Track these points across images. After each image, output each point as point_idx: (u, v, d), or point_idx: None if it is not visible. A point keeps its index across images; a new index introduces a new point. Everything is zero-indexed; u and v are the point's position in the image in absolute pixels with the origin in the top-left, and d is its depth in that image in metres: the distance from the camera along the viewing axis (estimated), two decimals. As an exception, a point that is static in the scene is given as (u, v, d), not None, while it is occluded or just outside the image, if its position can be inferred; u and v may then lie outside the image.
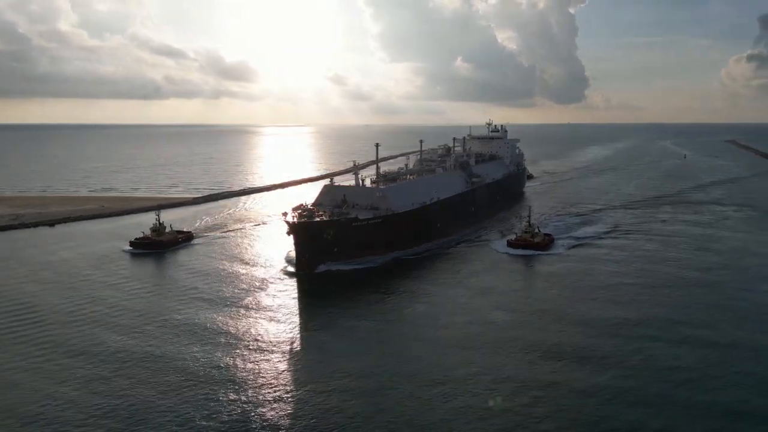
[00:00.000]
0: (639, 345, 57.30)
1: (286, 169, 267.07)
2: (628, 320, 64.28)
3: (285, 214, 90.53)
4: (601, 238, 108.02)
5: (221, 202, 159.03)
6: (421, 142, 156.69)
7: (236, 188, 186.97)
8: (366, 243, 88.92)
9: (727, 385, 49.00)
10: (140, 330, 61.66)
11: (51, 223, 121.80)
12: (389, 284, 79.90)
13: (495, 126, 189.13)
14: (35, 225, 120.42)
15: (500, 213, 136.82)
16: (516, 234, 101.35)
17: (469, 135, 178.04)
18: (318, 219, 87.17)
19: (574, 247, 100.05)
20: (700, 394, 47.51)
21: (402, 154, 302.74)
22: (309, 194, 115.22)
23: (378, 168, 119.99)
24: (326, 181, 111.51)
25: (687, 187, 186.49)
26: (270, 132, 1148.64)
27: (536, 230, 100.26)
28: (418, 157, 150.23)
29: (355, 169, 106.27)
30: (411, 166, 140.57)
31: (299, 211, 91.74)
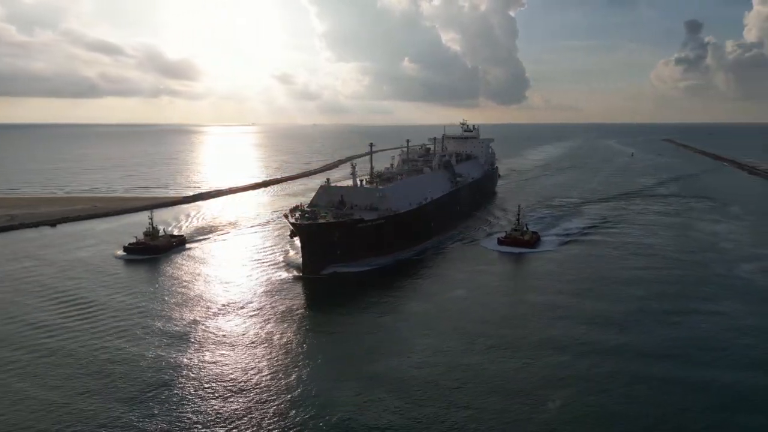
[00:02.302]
0: (664, 319, 65.97)
1: (253, 170, 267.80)
2: (640, 300, 72.02)
3: (287, 215, 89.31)
4: (585, 233, 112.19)
5: (209, 201, 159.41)
6: (407, 141, 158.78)
7: (219, 188, 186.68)
8: (371, 244, 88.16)
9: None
10: (149, 338, 59.91)
11: (53, 224, 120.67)
12: (397, 285, 79.53)
13: (468, 126, 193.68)
14: (36, 225, 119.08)
15: (477, 212, 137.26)
16: (506, 232, 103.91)
17: (444, 135, 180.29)
18: (322, 221, 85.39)
19: (563, 244, 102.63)
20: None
21: (361, 154, 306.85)
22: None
23: (372, 168, 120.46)
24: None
25: (646, 182, 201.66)
26: (215, 132, 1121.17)
27: (524, 228, 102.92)
28: (403, 157, 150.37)
29: (353, 170, 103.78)
30: (396, 165, 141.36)
31: (298, 212, 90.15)
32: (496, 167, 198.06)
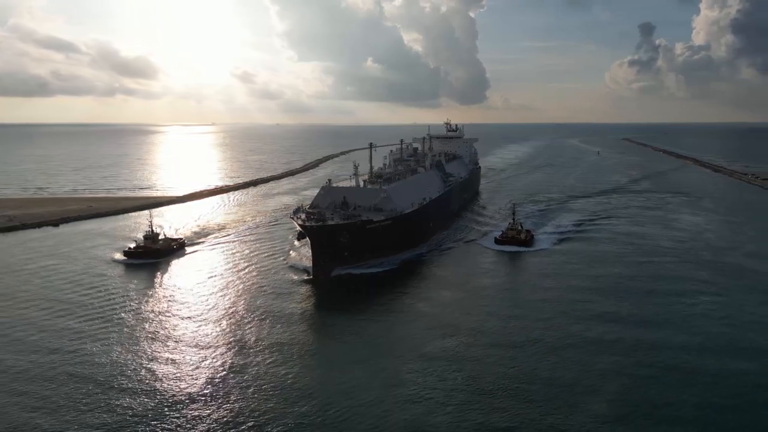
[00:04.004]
0: (677, 300, 72.44)
1: (235, 169, 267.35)
2: (650, 290, 76.78)
3: (293, 218, 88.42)
4: (577, 230, 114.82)
5: (201, 201, 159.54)
6: (401, 141, 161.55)
7: (208, 187, 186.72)
8: (377, 245, 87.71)
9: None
10: (159, 345, 58.08)
11: (55, 224, 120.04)
12: (408, 286, 79.11)
13: (452, 125, 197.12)
14: (39, 225, 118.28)
15: (466, 212, 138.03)
16: (502, 231, 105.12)
17: (428, 134, 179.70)
18: (331, 222, 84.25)
19: (559, 242, 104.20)
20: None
21: (337, 153, 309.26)
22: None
23: (371, 168, 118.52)
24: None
25: (620, 179, 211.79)
26: (175, 132, 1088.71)
27: (520, 227, 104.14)
28: (394, 156, 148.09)
29: (356, 170, 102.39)
30: (389, 165, 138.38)
31: (303, 213, 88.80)
32: (479, 167, 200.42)
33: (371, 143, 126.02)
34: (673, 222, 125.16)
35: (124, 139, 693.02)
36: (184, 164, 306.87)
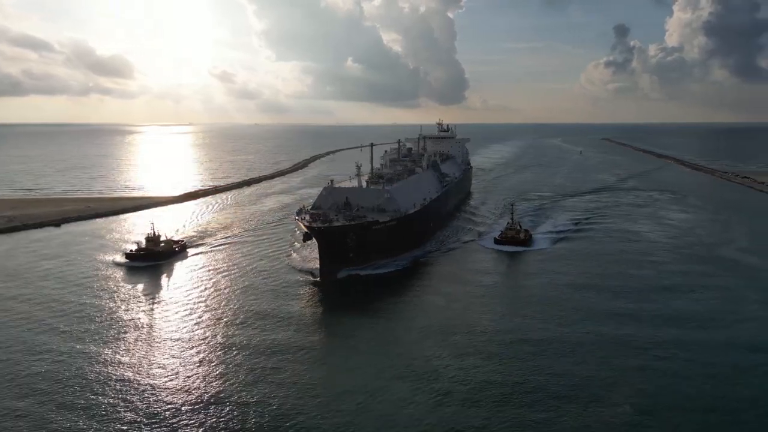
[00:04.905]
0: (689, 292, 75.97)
1: (225, 169, 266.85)
2: (655, 288, 79.61)
3: (298, 219, 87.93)
4: (573, 229, 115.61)
5: (198, 201, 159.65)
6: (398, 141, 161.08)
7: (203, 187, 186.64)
8: (383, 246, 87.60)
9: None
10: (178, 350, 57.35)
11: (57, 224, 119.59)
12: (416, 287, 79.44)
13: (444, 126, 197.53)
14: (41, 225, 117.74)
15: (460, 212, 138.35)
16: (501, 231, 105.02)
17: (420, 135, 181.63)
18: (337, 223, 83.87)
19: (557, 241, 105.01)
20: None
21: (323, 153, 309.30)
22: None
23: (372, 168, 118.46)
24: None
25: (606, 178, 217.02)
26: (152, 132, 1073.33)
27: (519, 226, 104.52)
28: (390, 156, 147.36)
29: (358, 170, 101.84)
30: (387, 165, 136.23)
31: (307, 214, 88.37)
32: (471, 167, 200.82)
33: (372, 143, 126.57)
34: (664, 219, 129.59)
35: (101, 139, 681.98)
36: (172, 165, 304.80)
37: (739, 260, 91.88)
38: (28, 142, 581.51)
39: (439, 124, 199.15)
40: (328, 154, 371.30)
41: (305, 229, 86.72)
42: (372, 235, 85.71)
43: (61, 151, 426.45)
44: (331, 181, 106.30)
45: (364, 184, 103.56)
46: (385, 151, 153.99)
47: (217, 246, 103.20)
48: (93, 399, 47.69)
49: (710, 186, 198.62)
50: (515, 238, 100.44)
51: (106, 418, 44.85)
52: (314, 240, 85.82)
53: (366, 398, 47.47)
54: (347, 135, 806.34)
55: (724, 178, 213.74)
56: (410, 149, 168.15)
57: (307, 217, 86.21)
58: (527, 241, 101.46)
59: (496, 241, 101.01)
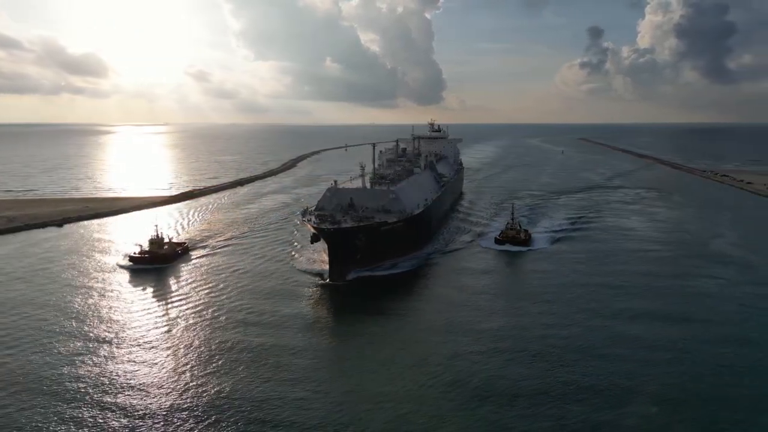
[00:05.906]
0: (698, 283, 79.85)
1: (216, 169, 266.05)
2: (657, 284, 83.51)
3: (305, 221, 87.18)
4: (569, 228, 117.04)
5: (195, 201, 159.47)
6: (397, 141, 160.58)
7: (198, 187, 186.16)
8: (391, 247, 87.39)
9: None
10: (188, 356, 56.24)
11: (59, 224, 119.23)
12: (425, 287, 79.60)
13: (436, 126, 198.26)
14: (43, 225, 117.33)
15: (454, 213, 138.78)
16: (501, 231, 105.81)
17: (412, 135, 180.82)
18: (347, 225, 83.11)
19: (556, 240, 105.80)
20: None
21: (309, 153, 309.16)
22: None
23: (374, 168, 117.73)
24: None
25: (592, 177, 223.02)
26: (127, 132, 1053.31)
27: (518, 226, 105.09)
28: (387, 156, 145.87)
29: (362, 171, 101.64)
30: (384, 165, 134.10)
31: (312, 215, 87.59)
32: (463, 167, 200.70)
33: (374, 143, 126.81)
34: (655, 215, 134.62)
35: (73, 139, 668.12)
36: (158, 165, 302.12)
37: (732, 255, 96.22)
38: (2, 143, 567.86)
39: (431, 124, 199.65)
40: (313, 154, 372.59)
41: (313, 231, 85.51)
42: (381, 235, 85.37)
43: (40, 152, 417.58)
44: (335, 181, 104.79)
45: (368, 185, 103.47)
46: (380, 152, 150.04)
47: (219, 248, 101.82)
48: (103, 400, 47.71)
49: (692, 184, 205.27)
50: (515, 238, 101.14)
51: (115, 419, 44.93)
52: (322, 242, 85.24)
53: (378, 397, 47.79)
54: (324, 135, 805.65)
55: (705, 176, 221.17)
56: (404, 149, 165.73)
57: (314, 219, 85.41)
58: (527, 240, 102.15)
59: (497, 241, 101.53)
